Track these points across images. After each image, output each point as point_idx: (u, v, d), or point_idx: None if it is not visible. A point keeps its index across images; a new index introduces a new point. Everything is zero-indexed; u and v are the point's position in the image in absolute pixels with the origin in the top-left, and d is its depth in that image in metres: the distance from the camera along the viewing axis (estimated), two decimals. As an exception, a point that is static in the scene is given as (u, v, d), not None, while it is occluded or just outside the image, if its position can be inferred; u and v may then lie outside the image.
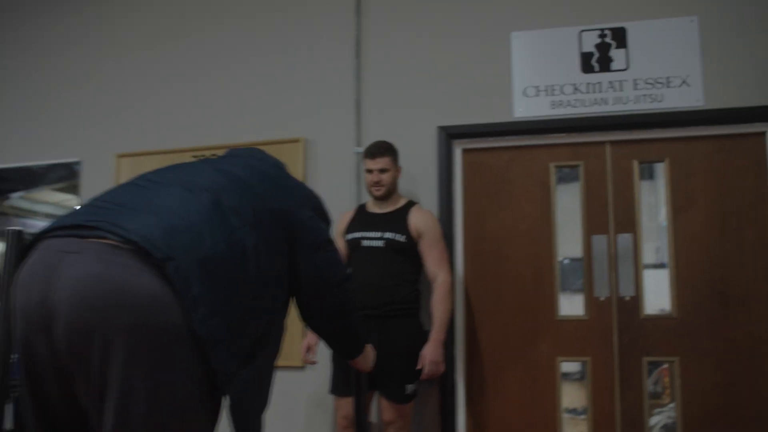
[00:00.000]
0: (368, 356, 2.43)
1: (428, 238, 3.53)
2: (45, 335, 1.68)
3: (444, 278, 3.50)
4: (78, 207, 1.95)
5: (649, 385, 3.67)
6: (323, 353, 3.67)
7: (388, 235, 3.54)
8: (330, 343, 2.34)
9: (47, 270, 1.70)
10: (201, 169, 2.02)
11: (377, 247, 3.52)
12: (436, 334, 3.46)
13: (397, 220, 3.58)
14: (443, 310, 3.48)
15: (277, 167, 2.18)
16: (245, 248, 1.84)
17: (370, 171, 3.61)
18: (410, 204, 3.65)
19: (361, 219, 3.68)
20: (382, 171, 3.58)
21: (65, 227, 1.78)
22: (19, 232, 4.12)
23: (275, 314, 2.00)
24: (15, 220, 5.52)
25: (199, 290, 1.69)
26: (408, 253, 3.53)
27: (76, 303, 1.64)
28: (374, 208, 3.68)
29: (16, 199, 5.41)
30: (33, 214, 5.60)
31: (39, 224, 5.62)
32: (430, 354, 3.42)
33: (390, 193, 3.63)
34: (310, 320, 2.18)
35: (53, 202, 5.46)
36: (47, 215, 5.60)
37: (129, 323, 1.62)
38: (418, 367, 3.41)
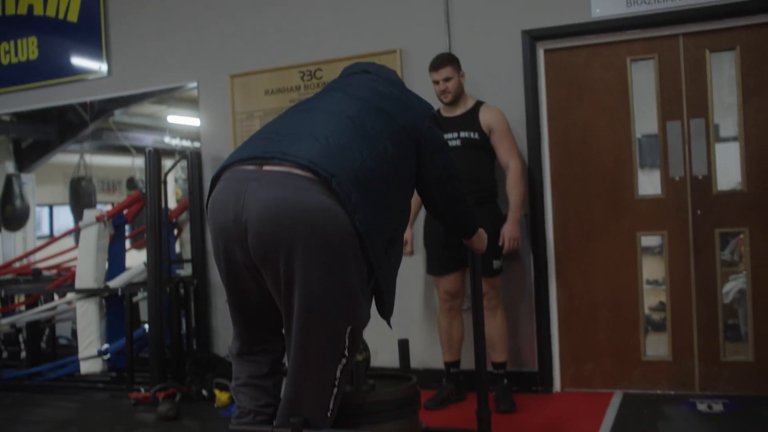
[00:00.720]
0: (482, 237, 2.97)
1: (498, 132, 4.01)
2: (240, 245, 2.27)
3: (515, 165, 4.00)
4: (248, 139, 2.51)
5: (725, 254, 4.09)
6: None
7: (463, 134, 4.02)
8: (450, 226, 2.89)
9: (236, 194, 2.27)
10: (339, 98, 2.53)
11: (455, 147, 3.99)
12: (512, 214, 3.99)
13: (469, 120, 4.04)
14: (517, 193, 4.00)
15: (397, 85, 2.70)
16: (386, 158, 2.36)
17: (436, 82, 4.06)
18: (479, 104, 4.09)
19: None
20: (447, 80, 4.02)
21: (244, 159, 2.33)
22: (157, 151, 4.75)
23: (405, 208, 2.55)
24: (118, 133, 6.18)
25: (356, 198, 2.22)
26: (482, 147, 4.01)
27: (262, 221, 2.21)
28: (447, 113, 4.14)
29: (119, 115, 6.06)
30: (131, 126, 6.24)
31: (136, 136, 6.26)
32: (509, 232, 3.95)
33: (458, 97, 4.08)
34: (434, 208, 2.74)
35: (147, 114, 6.07)
36: (142, 126, 6.22)
37: (307, 232, 2.18)
38: (500, 244, 3.92)
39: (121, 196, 6.45)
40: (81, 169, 6.55)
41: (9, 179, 6.69)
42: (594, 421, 3.66)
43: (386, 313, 2.50)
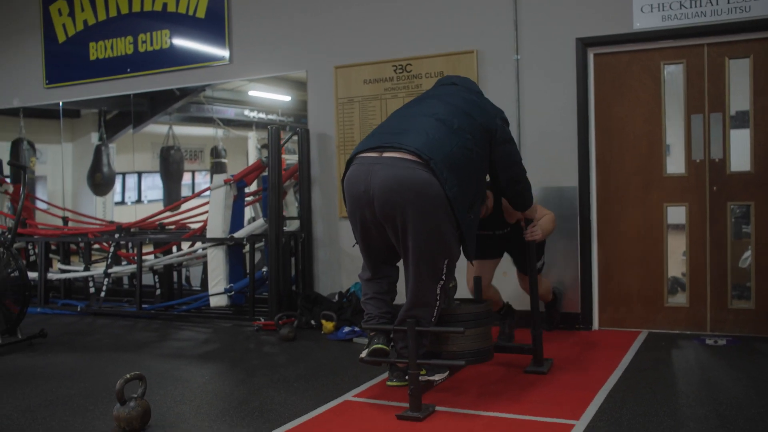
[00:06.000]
0: (536, 208, 4.09)
1: None
2: (369, 208, 3.48)
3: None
4: (370, 133, 3.68)
5: (747, 227, 5.01)
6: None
7: None
8: (512, 200, 4.01)
9: (365, 174, 3.48)
10: (434, 104, 3.70)
11: None
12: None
13: None
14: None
15: (477, 94, 3.87)
16: (469, 148, 3.52)
17: None
18: None
19: None
20: None
21: (369, 149, 3.51)
22: (278, 127, 5.87)
23: (481, 183, 3.72)
24: (207, 106, 7.13)
25: (447, 174, 3.38)
26: None
27: (384, 190, 3.43)
28: None
29: (208, 90, 7.09)
30: (214, 100, 7.13)
31: (219, 108, 7.04)
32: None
33: None
34: (499, 185, 3.87)
35: (230, 89, 7.06)
36: (225, 100, 7.04)
37: (415, 197, 3.38)
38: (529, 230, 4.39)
39: (202, 164, 7.35)
40: (170, 138, 7.41)
41: (98, 149, 7.73)
42: (622, 349, 4.72)
43: (469, 254, 3.69)
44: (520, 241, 4.26)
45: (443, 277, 3.51)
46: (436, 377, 3.73)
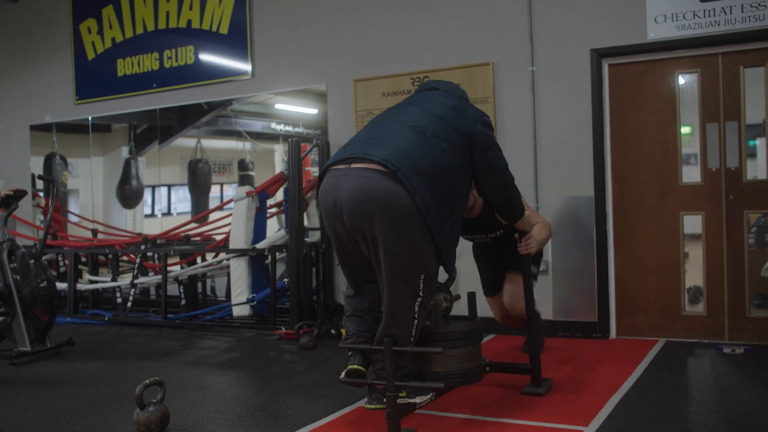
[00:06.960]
0: (527, 219, 3.87)
1: None
2: (340, 221, 3.38)
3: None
4: (344, 145, 3.55)
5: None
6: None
7: None
8: (500, 210, 3.82)
9: (333, 187, 3.36)
10: (411, 110, 3.54)
11: None
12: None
13: None
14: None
15: (458, 98, 3.65)
16: (444, 156, 3.33)
17: None
18: None
19: None
20: None
21: (340, 160, 3.40)
22: (298, 140, 5.95)
23: (462, 194, 3.50)
24: (234, 120, 7.24)
25: (417, 183, 3.21)
26: None
27: (350, 202, 3.29)
28: None
29: (235, 104, 7.21)
30: (242, 113, 7.23)
31: (246, 122, 7.09)
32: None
33: None
34: (484, 194, 3.69)
35: (257, 102, 7.17)
36: (252, 113, 7.09)
37: (381, 208, 3.23)
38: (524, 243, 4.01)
39: (231, 177, 7.41)
40: (198, 152, 7.50)
41: (127, 163, 7.88)
42: (638, 357, 4.73)
43: (447, 269, 3.52)
44: (514, 243, 4.03)
45: (420, 293, 3.33)
46: (418, 400, 3.47)
